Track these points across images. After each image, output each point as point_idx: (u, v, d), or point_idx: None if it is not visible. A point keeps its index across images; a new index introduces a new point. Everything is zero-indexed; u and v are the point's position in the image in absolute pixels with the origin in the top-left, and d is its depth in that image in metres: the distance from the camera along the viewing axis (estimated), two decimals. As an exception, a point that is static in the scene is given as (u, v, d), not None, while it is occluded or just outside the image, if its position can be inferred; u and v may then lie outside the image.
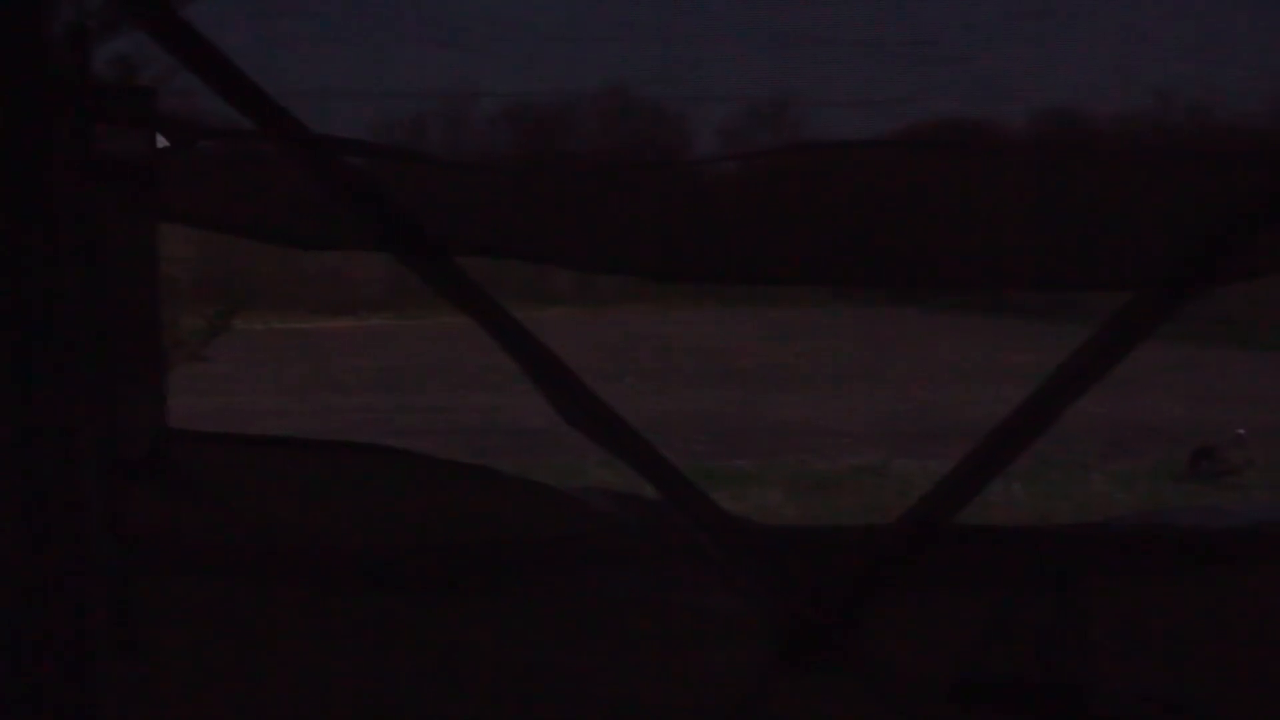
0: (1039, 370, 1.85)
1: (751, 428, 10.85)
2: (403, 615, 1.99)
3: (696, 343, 17.39)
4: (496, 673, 1.95)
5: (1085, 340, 1.81)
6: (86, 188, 1.86)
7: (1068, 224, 1.88)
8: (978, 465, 1.84)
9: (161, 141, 2.02)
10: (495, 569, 1.95)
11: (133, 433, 1.98)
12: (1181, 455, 8.77)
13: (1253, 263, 1.84)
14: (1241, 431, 8.66)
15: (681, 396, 12.65)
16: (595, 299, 21.45)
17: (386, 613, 1.99)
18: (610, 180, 2.04)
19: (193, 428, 2.06)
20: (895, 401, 12.18)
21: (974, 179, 1.91)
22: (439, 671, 1.96)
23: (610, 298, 21.51)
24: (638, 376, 13.55)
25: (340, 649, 1.99)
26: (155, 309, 2.06)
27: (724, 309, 20.16)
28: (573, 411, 1.89)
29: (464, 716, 1.94)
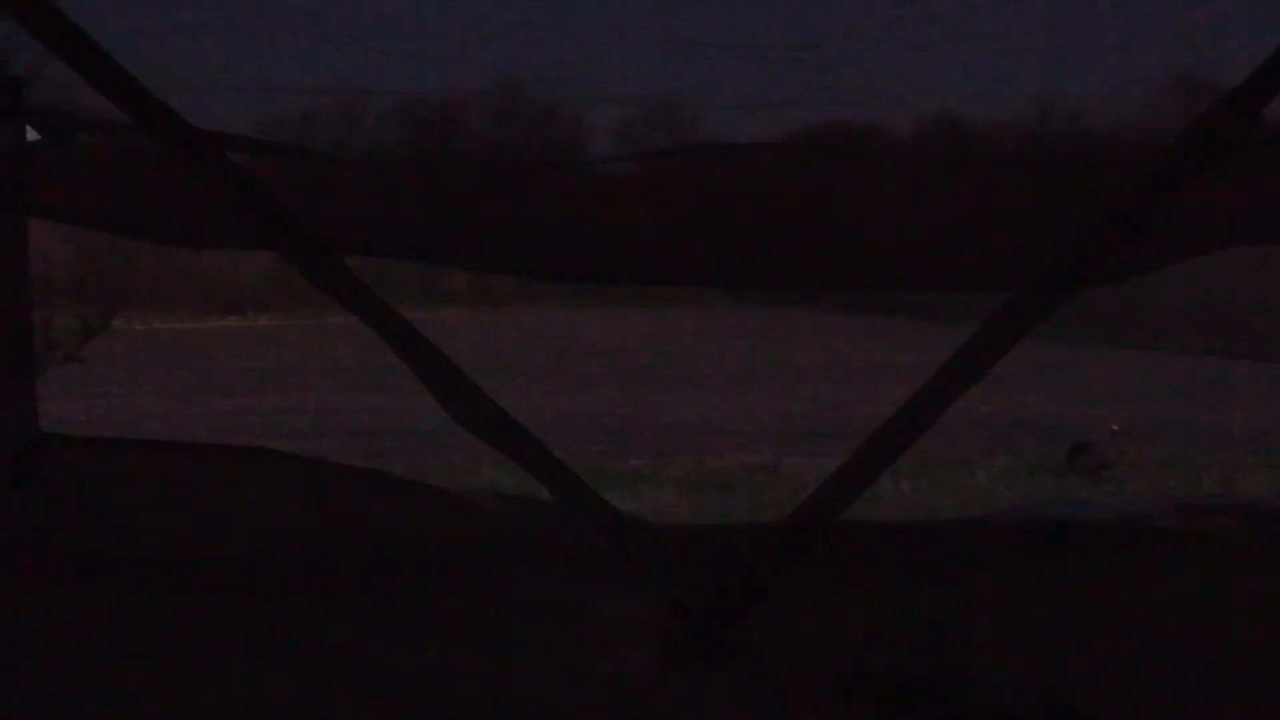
0: (928, 370, 1.90)
1: (646, 427, 10.90)
2: (290, 622, 1.95)
3: (592, 343, 17.42)
4: (386, 678, 1.92)
5: (966, 340, 1.86)
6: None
7: (950, 227, 1.94)
8: (864, 463, 1.88)
9: (33, 134, 1.94)
10: (385, 573, 1.93)
11: (0, 437, 1.90)
12: (1060, 450, 9.09)
13: (1125, 264, 1.91)
14: (1116, 428, 9.02)
15: (577, 397, 12.65)
16: (489, 299, 21.32)
17: (273, 620, 1.95)
18: (503, 180, 2.02)
19: (66, 432, 1.99)
20: (787, 401, 12.37)
21: (860, 182, 1.95)
22: (327, 679, 1.93)
23: (505, 298, 21.41)
24: (533, 377, 13.51)
25: (226, 659, 1.94)
26: (25, 308, 1.99)
27: (619, 309, 20.21)
28: (463, 412, 1.87)
29: (354, 723, 1.91)
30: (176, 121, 1.79)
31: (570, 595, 1.90)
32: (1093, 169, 2.00)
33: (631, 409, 11.79)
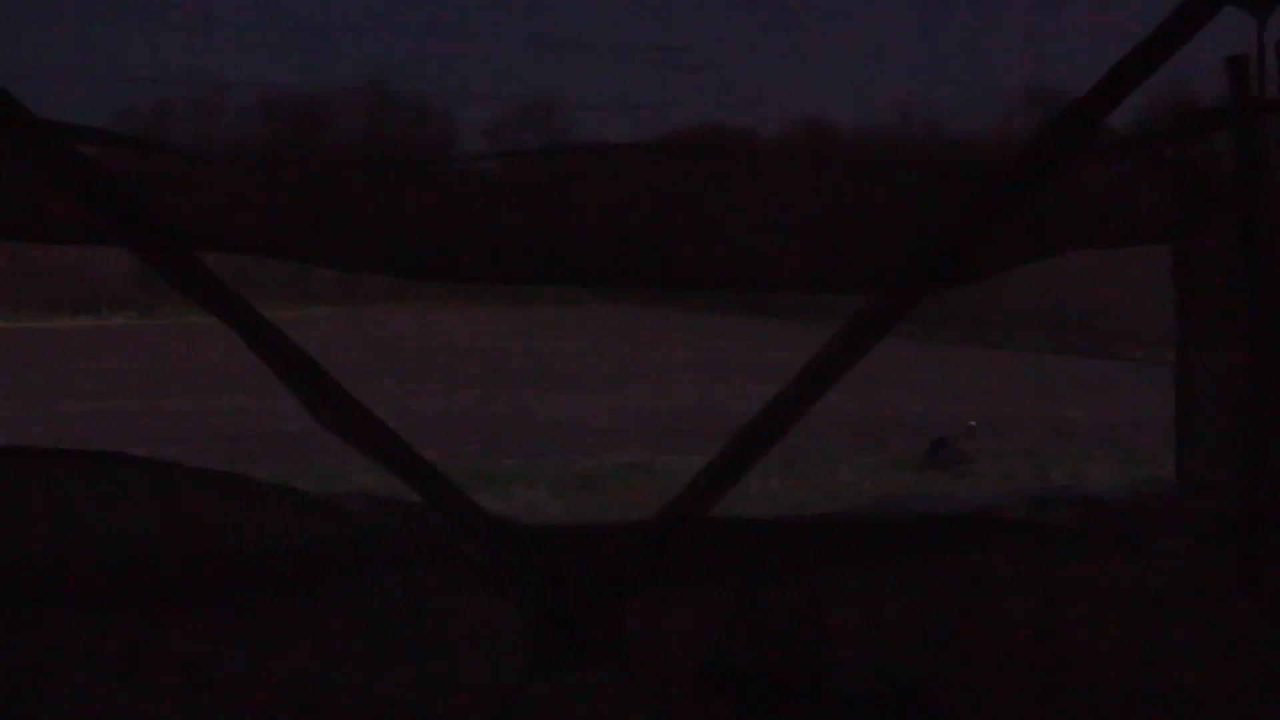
0: (796, 368, 1.94)
1: (518, 427, 10.85)
2: (145, 632, 1.88)
3: (463, 342, 17.25)
4: (249, 685, 1.87)
5: (828, 339, 1.91)
6: None
7: (813, 228, 1.98)
8: (732, 460, 1.91)
9: None
10: (246, 579, 1.88)
11: None
12: (921, 446, 9.37)
13: (981, 265, 1.99)
14: (973, 423, 9.35)
15: (448, 397, 12.51)
16: (358, 298, 20.91)
17: (129, 630, 1.88)
18: (371, 177, 1.99)
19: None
20: (659, 399, 12.46)
21: (727, 184, 1.98)
22: (186, 688, 1.87)
23: (374, 297, 21.01)
24: (402, 378, 13.32)
25: (80, 670, 1.86)
26: None
27: (490, 308, 20.07)
28: (328, 414, 1.83)
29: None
30: (21, 111, 1.71)
31: (438, 598, 1.89)
32: (949, 173, 2.07)
33: (503, 409, 11.72)
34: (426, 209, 1.98)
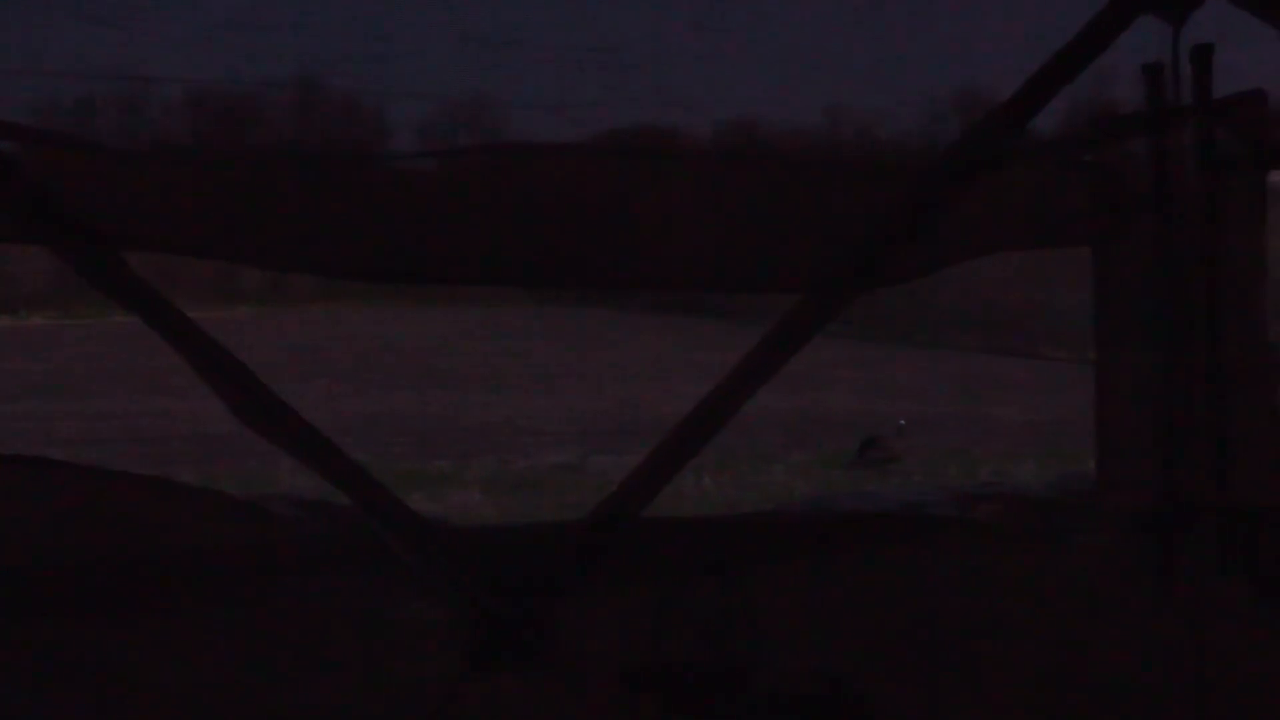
0: (729, 368, 1.95)
1: (451, 428, 10.79)
2: (68, 640, 1.84)
3: (395, 343, 17.10)
4: (175, 692, 1.84)
5: (760, 339, 1.93)
6: None
7: (744, 229, 2.00)
8: (664, 459, 1.92)
9: None
10: (171, 583, 1.84)
11: None
12: (852, 445, 9.48)
13: (909, 266, 2.02)
14: (902, 422, 9.49)
15: (380, 398, 12.40)
16: (288, 297, 20.59)
17: (51, 637, 1.84)
18: (300, 175, 1.97)
19: None
20: (593, 400, 12.47)
21: (658, 184, 1.99)
22: (111, 695, 1.83)
23: (303, 296, 20.72)
24: (334, 378, 13.16)
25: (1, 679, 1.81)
26: None
27: (423, 309, 19.91)
28: (253, 415, 1.81)
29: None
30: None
31: (367, 601, 1.87)
32: (877, 176, 2.10)
33: (436, 409, 11.65)
34: (357, 208, 1.96)
